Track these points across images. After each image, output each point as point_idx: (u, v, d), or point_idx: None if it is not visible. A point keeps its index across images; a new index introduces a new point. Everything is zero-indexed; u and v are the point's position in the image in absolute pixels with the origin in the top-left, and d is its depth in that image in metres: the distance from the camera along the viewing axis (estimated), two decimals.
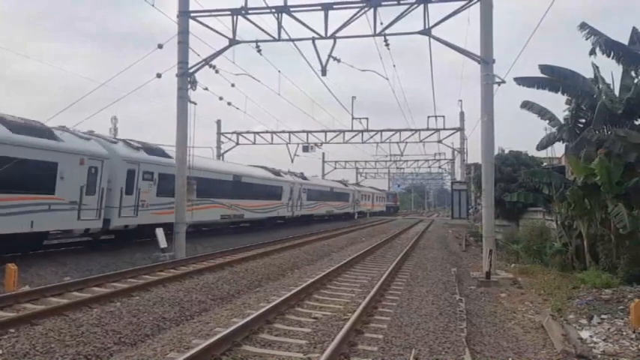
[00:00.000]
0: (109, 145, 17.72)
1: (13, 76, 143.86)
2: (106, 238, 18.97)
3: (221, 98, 23.47)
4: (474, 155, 51.54)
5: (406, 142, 42.29)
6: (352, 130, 39.36)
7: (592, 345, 7.58)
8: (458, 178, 49.16)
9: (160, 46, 16.77)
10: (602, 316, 9.09)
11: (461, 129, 42.96)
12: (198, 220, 22.37)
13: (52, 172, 14.60)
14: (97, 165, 16.21)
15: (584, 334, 8.13)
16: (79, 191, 15.59)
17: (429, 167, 67.83)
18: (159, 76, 16.86)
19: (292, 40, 17.29)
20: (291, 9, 16.46)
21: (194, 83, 17.52)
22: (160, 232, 16.96)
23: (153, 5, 16.04)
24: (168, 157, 19.84)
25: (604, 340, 7.83)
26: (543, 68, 15.83)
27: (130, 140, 19.28)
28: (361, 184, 70.19)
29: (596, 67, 15.71)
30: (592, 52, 14.41)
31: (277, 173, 33.79)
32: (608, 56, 14.11)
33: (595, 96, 15.30)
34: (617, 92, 15.24)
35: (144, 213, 18.61)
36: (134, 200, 18.25)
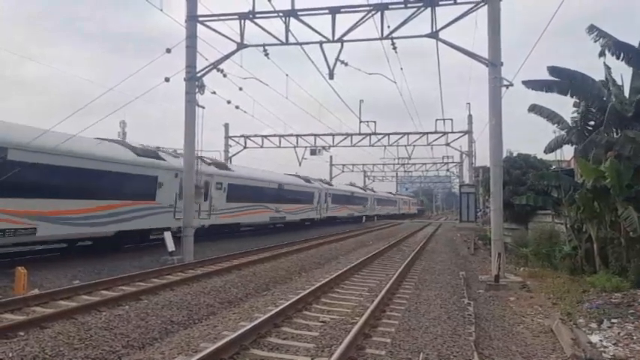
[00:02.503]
0: (175, 158, 21.15)
1: (12, 77, 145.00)
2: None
3: (229, 102, 23.56)
4: (483, 158, 51.35)
5: (414, 145, 42.24)
6: (360, 134, 39.41)
7: (602, 349, 7.52)
8: (466, 181, 49.00)
9: (169, 51, 16.84)
10: (613, 320, 9.02)
11: (469, 132, 42.89)
12: (254, 221, 28.82)
13: (154, 184, 19.16)
14: (171, 176, 20.08)
15: (594, 338, 8.07)
16: (175, 198, 20.01)
17: (437, 170, 67.68)
18: (167, 80, 16.95)
19: (300, 44, 17.34)
20: (299, 13, 16.50)
21: (202, 87, 17.60)
22: (167, 236, 17.02)
23: (161, 10, 16.15)
24: (232, 170, 26.57)
25: (614, 344, 7.76)
26: (552, 70, 15.75)
27: (204, 157, 22.94)
28: (399, 193, 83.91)
29: (607, 68, 15.58)
30: (601, 54, 14.32)
31: (308, 180, 38.76)
32: (618, 58, 14.02)
33: (605, 98, 15.20)
34: (626, 94, 15.13)
35: (216, 215, 23.36)
36: (208, 205, 22.60)
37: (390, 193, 79.75)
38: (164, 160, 20.14)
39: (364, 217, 55.31)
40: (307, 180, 38.33)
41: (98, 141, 17.50)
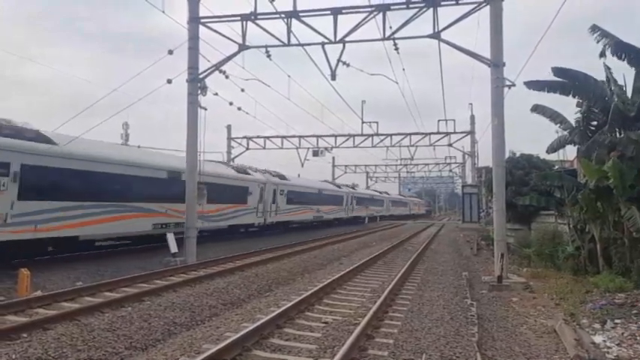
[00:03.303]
0: (264, 175, 30.32)
1: (12, 77, 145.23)
2: (117, 243, 19.39)
3: (231, 103, 23.57)
4: (485, 158, 51.22)
5: (416, 146, 42.23)
6: (362, 134, 39.37)
7: (605, 350, 7.50)
8: (469, 181, 48.93)
9: (171, 52, 16.90)
10: (616, 321, 8.98)
11: (471, 132, 42.82)
12: (303, 219, 37.29)
13: (246, 192, 27.30)
14: (262, 187, 28.99)
15: (598, 338, 8.04)
16: (257, 202, 28.23)
17: (440, 171, 67.63)
18: (169, 81, 16.98)
19: (302, 45, 17.36)
20: (301, 14, 16.52)
21: (204, 89, 17.62)
22: (170, 237, 17.03)
23: (163, 12, 16.19)
24: (289, 180, 34.29)
25: (617, 344, 7.73)
26: (556, 71, 15.70)
27: (271, 171, 32.29)
28: (409, 196, 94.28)
29: (608, 69, 15.56)
30: (602, 55, 14.28)
31: (339, 186, 48.76)
32: (620, 58, 13.97)
33: (607, 98, 15.15)
34: (629, 94, 15.08)
35: (280, 214, 31.66)
36: (276, 207, 30.96)
37: (402, 195, 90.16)
38: (251, 174, 28.70)
39: (378, 217, 61.18)
40: (338, 186, 49.05)
41: (215, 163, 26.40)
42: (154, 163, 19.89)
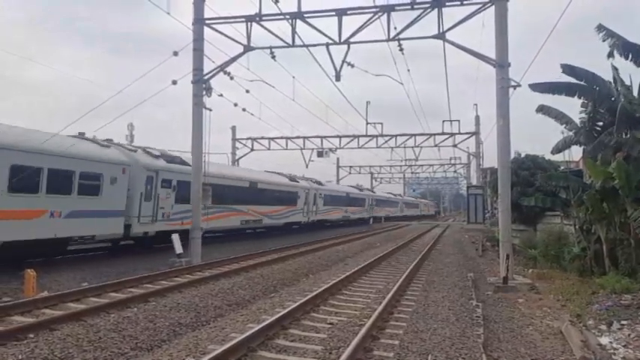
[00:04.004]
0: (307, 182, 37.84)
1: (12, 77, 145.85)
2: (125, 244, 19.52)
3: (236, 104, 23.57)
4: (490, 159, 51.18)
5: (421, 147, 42.10)
6: (367, 135, 39.34)
7: (612, 351, 7.46)
8: (474, 182, 48.82)
9: (176, 54, 16.90)
10: (622, 322, 8.94)
11: (476, 133, 42.73)
12: (334, 219, 44.52)
13: (296, 196, 34.36)
14: (307, 192, 36.44)
15: (604, 340, 8.01)
16: (304, 204, 35.74)
17: (445, 172, 67.51)
18: (174, 83, 17.01)
19: (306, 46, 17.35)
20: (305, 15, 16.52)
21: (209, 90, 17.64)
22: (175, 238, 17.06)
23: (168, 13, 16.24)
24: (325, 185, 42.04)
25: (624, 346, 7.70)
26: (565, 68, 15.63)
27: (310, 178, 39.85)
28: (421, 197, 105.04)
29: (615, 69, 15.49)
30: (610, 55, 14.23)
31: (362, 190, 56.71)
32: (626, 58, 13.94)
33: (613, 98, 15.09)
34: (635, 94, 15.02)
35: (319, 214, 38.64)
36: (316, 208, 38.29)
37: (414, 197, 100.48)
38: (299, 182, 36.15)
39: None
40: (361, 189, 56.41)
41: (273, 174, 33.41)
42: (241, 176, 28.02)
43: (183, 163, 21.03)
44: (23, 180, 13.79)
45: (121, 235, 17.82)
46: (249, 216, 27.45)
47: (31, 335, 7.52)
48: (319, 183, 40.41)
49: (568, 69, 15.57)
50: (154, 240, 19.84)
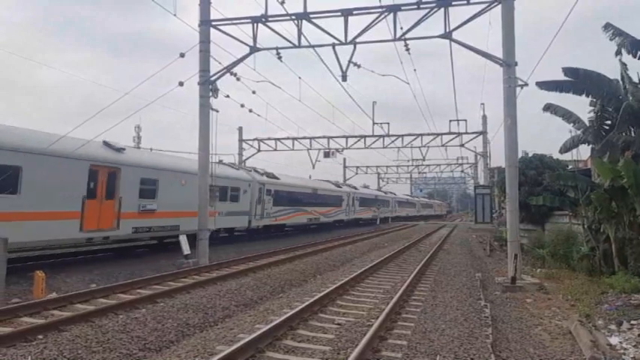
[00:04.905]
0: (347, 187, 46.94)
1: (18, 80, 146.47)
2: (132, 245, 19.63)
3: (242, 105, 23.63)
4: (498, 159, 50.94)
5: (428, 147, 41.95)
6: (373, 135, 39.22)
7: (622, 351, 7.41)
8: (481, 182, 48.61)
9: (182, 55, 16.94)
10: (632, 322, 8.88)
11: (483, 132, 42.55)
12: (366, 217, 52.48)
13: (341, 199, 42.89)
14: (347, 195, 44.69)
15: (614, 340, 7.95)
16: (346, 205, 44.33)
17: (452, 171, 67.24)
18: (181, 84, 17.06)
19: (312, 47, 17.34)
20: (311, 16, 16.51)
21: (216, 91, 17.67)
22: (183, 239, 17.10)
23: (175, 15, 16.30)
24: (358, 189, 50.88)
25: (634, 346, 7.64)
26: (567, 71, 15.56)
27: (350, 184, 50.88)
28: (435, 199, 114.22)
29: (624, 65, 15.34)
30: (618, 53, 14.16)
31: (387, 193, 66.60)
32: (634, 57, 13.86)
33: (621, 97, 15.00)
34: None
35: (355, 214, 46.37)
36: (354, 209, 46.72)
37: (429, 199, 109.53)
38: (342, 187, 45.22)
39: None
40: (385, 192, 65.92)
41: (324, 182, 41.89)
42: (306, 185, 36.58)
43: (274, 177, 30.46)
44: (219, 194, 20.51)
45: (246, 227, 26.60)
46: (312, 215, 36.79)
47: (40, 336, 7.56)
48: (355, 187, 50.60)
49: (570, 72, 15.47)
50: (262, 230, 29.18)
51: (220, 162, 24.39)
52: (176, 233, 18.51)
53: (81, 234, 15.08)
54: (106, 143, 16.57)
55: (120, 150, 17.09)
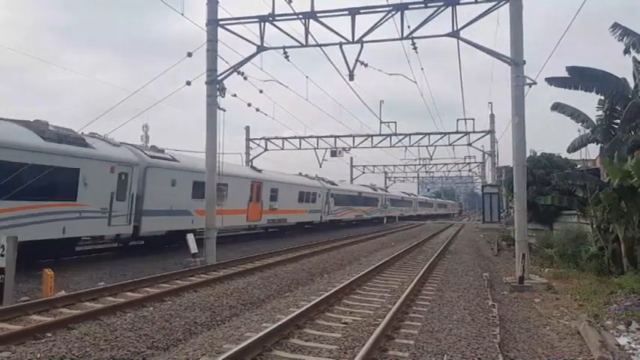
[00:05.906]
0: (381, 190, 60.23)
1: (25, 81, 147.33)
2: (135, 244, 19.89)
3: (249, 104, 23.65)
4: (505, 158, 50.74)
5: (435, 146, 41.86)
6: (380, 134, 39.13)
7: (630, 352, 7.36)
8: (489, 181, 48.44)
9: (190, 55, 17.00)
10: None
11: (491, 131, 42.37)
12: (394, 215, 62.06)
13: (377, 200, 55.18)
14: (381, 196, 56.83)
15: (622, 340, 7.90)
16: (381, 205, 56.71)
17: (459, 171, 66.95)
18: (188, 83, 17.10)
19: (320, 46, 17.32)
20: (319, 15, 16.50)
21: (223, 90, 17.69)
22: (190, 238, 17.16)
23: (182, 14, 16.36)
24: (388, 192, 63.50)
25: None
26: (570, 70, 15.42)
27: (381, 187, 62.02)
28: (448, 199, 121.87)
29: (637, 62, 15.16)
30: (627, 51, 14.06)
31: (409, 194, 75.81)
32: None
33: (630, 96, 14.89)
34: None
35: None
36: (386, 208, 57.96)
37: (443, 199, 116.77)
38: (377, 190, 56.13)
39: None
40: (409, 194, 75.07)
41: (362, 185, 53.70)
42: (353, 189, 47.92)
43: (334, 183, 40.89)
44: (307, 198, 33.75)
45: (318, 222, 36.87)
46: (358, 212, 46.71)
47: (49, 334, 7.61)
48: (386, 190, 62.37)
49: (575, 71, 15.33)
50: (328, 224, 39.21)
51: (306, 175, 37.22)
52: (285, 224, 31.43)
53: (247, 222, 26.03)
54: (252, 167, 29.24)
55: (260, 171, 28.92)
